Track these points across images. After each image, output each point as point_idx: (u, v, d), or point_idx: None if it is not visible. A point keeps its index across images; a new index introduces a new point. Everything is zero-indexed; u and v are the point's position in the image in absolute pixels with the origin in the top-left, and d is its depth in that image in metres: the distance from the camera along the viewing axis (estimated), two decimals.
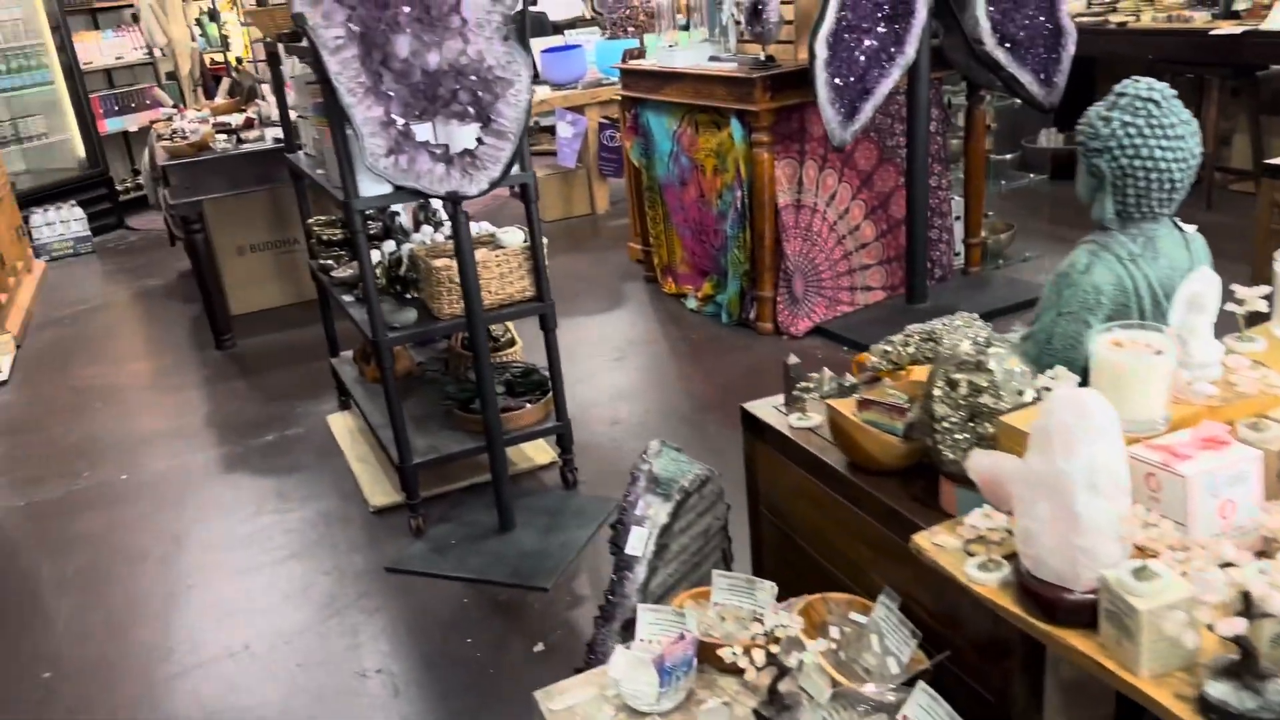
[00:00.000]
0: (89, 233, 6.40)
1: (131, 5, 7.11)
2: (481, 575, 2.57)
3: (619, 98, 4.55)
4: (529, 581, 2.52)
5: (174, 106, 5.27)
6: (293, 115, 3.31)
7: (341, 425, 3.52)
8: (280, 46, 3.03)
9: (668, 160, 4.24)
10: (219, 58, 7.37)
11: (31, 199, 6.30)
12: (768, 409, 1.86)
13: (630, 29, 5.92)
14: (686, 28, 4.45)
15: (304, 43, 2.40)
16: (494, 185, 2.47)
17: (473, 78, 2.38)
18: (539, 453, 3.17)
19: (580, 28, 7.20)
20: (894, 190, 4.06)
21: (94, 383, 4.24)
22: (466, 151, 2.43)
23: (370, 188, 2.55)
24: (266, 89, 5.11)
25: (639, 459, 1.90)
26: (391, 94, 2.34)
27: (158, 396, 4.05)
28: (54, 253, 6.27)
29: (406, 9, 2.31)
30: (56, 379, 4.33)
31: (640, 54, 4.49)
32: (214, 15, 7.36)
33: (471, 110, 2.41)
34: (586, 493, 2.93)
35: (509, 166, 2.47)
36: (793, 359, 1.84)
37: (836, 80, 3.41)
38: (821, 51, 3.36)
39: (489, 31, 2.38)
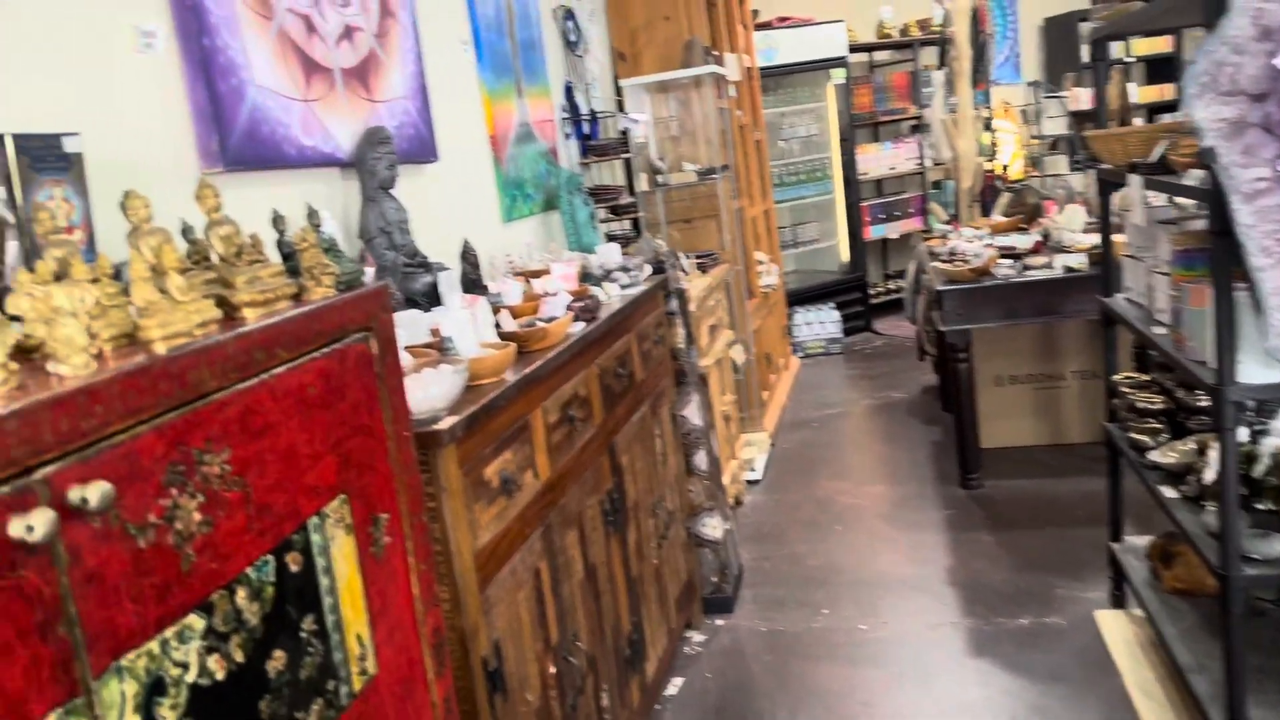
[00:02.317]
0: (840, 334, 6.65)
1: (915, 119, 7.33)
2: None
3: None
4: None
5: (948, 221, 5.15)
6: (1123, 253, 2.76)
7: (1116, 629, 2.84)
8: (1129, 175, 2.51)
9: None
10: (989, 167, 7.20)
11: (796, 299, 6.76)
12: None
13: None
14: None
15: (1178, 176, 1.84)
16: None
17: None
18: None
19: None
20: None
21: (836, 499, 4.18)
22: None
23: (1257, 373, 1.88)
24: (1051, 207, 4.66)
25: None
26: None
27: (897, 532, 3.81)
28: (807, 350, 6.64)
29: None
30: (802, 487, 4.38)
31: None
32: (988, 124, 7.21)
33: None
34: None
35: None
36: None
37: None
38: None
39: None
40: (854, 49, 7.18)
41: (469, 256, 2.66)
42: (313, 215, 1.40)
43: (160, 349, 1.01)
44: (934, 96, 5.87)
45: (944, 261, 4.22)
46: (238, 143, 2.03)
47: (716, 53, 5.05)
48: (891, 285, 7.66)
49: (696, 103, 4.87)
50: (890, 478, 4.38)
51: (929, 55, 7.48)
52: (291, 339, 1.19)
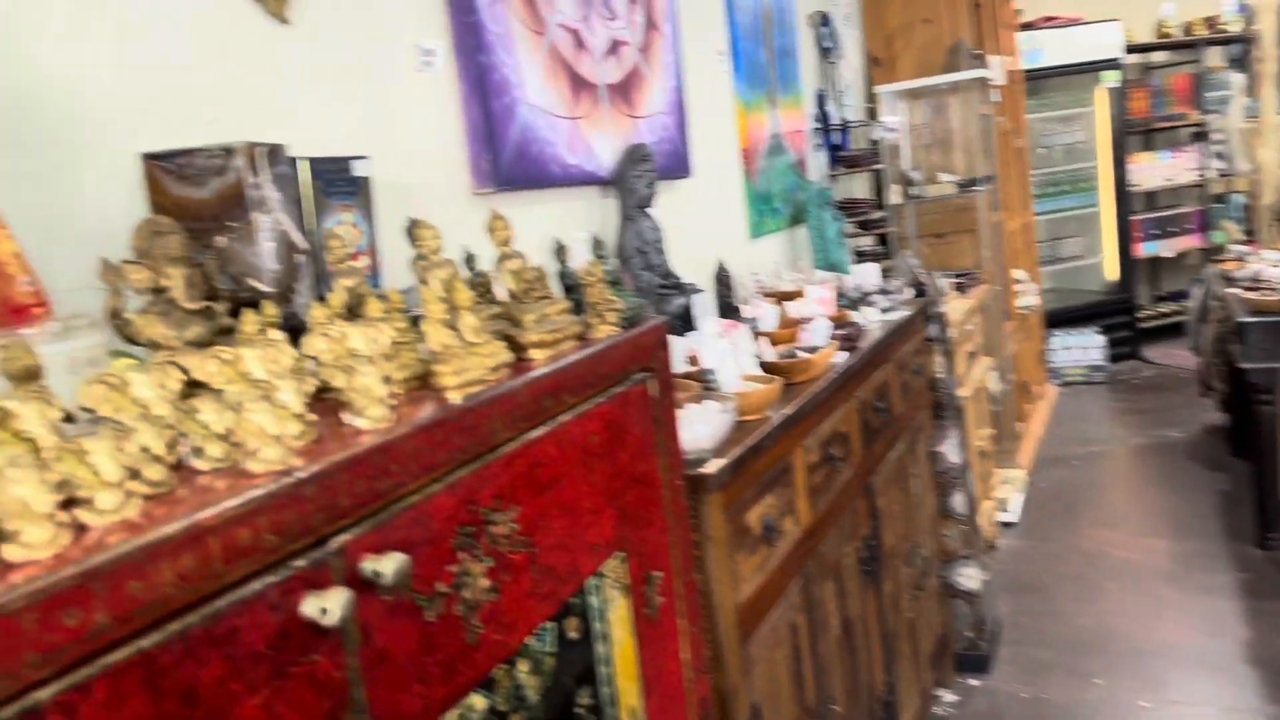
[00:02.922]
0: (1105, 360, 6.06)
1: (1197, 126, 6.60)
2: None
3: None
4: None
5: (1244, 240, 4.54)
6: None
7: None
8: None
9: None
10: None
11: (1054, 320, 6.23)
12: None
13: None
14: None
15: None
16: None
17: None
18: None
19: None
20: None
21: (1104, 550, 3.75)
22: None
23: None
24: None
25: None
26: None
27: (1181, 594, 3.36)
28: (1066, 378, 6.09)
29: None
30: (1064, 533, 3.97)
31: None
32: None
33: None
34: None
35: None
36: None
37: None
38: None
39: None
40: (1130, 49, 6.54)
41: (724, 278, 2.54)
42: (597, 245, 1.31)
43: (454, 397, 0.93)
44: (1229, 101, 5.23)
45: (1247, 288, 3.70)
46: (508, 162, 2.00)
47: (980, 54, 4.70)
48: (1163, 308, 6.92)
49: (955, 109, 4.55)
50: (1170, 531, 3.89)
51: (1215, 56, 6.71)
52: (578, 383, 1.10)
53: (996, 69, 4.74)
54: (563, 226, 2.15)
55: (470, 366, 0.97)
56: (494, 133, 1.97)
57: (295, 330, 1.10)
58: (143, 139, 1.26)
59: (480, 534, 0.92)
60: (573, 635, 1.06)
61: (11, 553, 0.59)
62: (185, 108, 1.41)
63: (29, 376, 0.76)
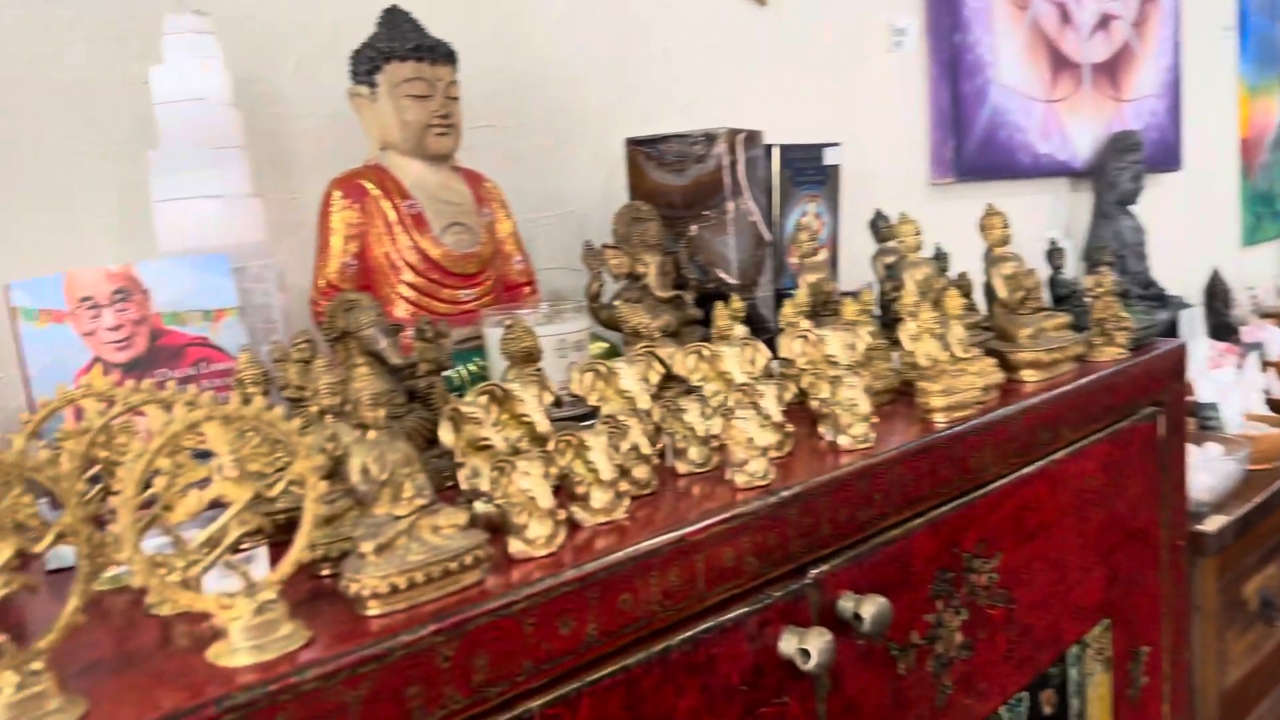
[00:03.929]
0: None
1: None
2: None
3: None
4: None
5: None
6: None
7: None
8: None
9: None
10: None
11: None
12: None
13: None
14: None
15: None
16: None
17: None
18: None
19: None
20: None
21: None
22: None
23: None
24: None
25: None
26: None
27: None
28: None
29: None
30: None
31: None
32: None
33: None
34: None
35: None
36: None
37: None
38: None
39: None
40: None
41: (1218, 291, 2.16)
42: (1055, 248, 1.13)
43: (940, 420, 0.82)
44: None
45: None
46: (972, 150, 1.82)
47: None
48: None
49: None
50: None
51: None
52: (1078, 415, 0.93)
53: None
54: (1025, 223, 1.93)
55: (959, 386, 0.84)
56: (960, 118, 1.80)
57: (753, 326, 1.05)
58: (623, 124, 1.28)
59: (960, 582, 0.80)
60: (1047, 710, 0.90)
61: (515, 547, 0.57)
62: (662, 92, 1.43)
63: (528, 359, 0.76)
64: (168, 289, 0.75)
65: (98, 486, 0.58)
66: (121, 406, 0.60)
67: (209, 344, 0.76)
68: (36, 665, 0.42)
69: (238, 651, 0.46)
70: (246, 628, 0.47)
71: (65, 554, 0.62)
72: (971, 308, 1.06)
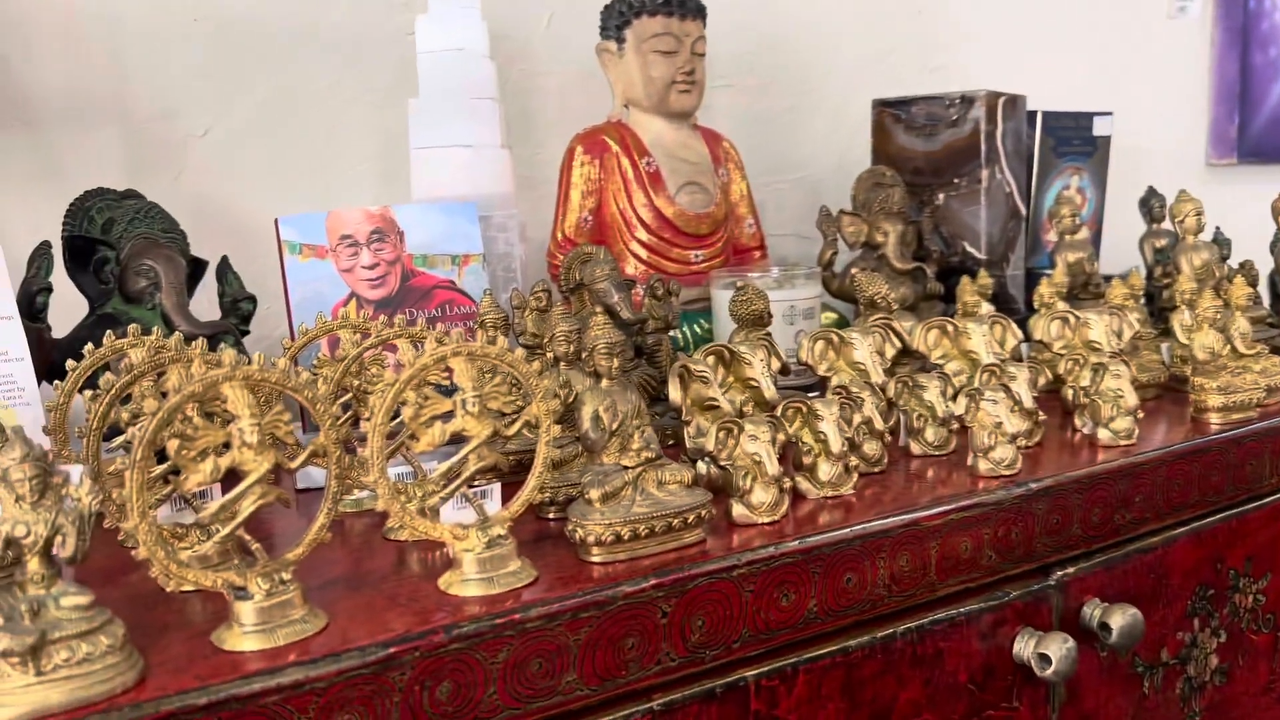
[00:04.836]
0: None
1: None
2: None
3: None
4: None
5: None
6: None
7: None
8: None
9: None
10: None
11: None
12: None
13: None
14: None
15: None
16: None
17: None
18: None
19: None
20: None
21: None
22: None
23: None
24: None
25: None
26: None
27: None
28: None
29: None
30: None
31: None
32: None
33: None
34: None
35: None
36: None
37: None
38: None
39: None
40: None
41: None
42: None
43: (1215, 421, 0.73)
44: None
45: None
46: (1260, 130, 1.63)
47: None
48: None
49: None
50: None
51: None
52: None
53: None
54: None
55: (1239, 385, 0.75)
56: (1249, 92, 1.61)
57: (999, 305, 0.98)
58: (868, 88, 1.23)
59: (1221, 600, 0.72)
60: None
61: (737, 511, 0.56)
62: (911, 54, 1.35)
63: (758, 323, 0.74)
64: (420, 232, 0.79)
65: (348, 413, 0.62)
66: (375, 340, 0.63)
67: (455, 288, 0.79)
68: (285, 575, 0.45)
69: (469, 582, 0.47)
70: (478, 559, 0.48)
71: (314, 474, 0.66)
72: (1257, 300, 0.95)
